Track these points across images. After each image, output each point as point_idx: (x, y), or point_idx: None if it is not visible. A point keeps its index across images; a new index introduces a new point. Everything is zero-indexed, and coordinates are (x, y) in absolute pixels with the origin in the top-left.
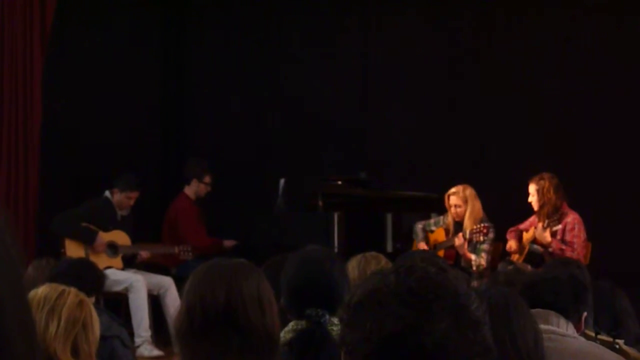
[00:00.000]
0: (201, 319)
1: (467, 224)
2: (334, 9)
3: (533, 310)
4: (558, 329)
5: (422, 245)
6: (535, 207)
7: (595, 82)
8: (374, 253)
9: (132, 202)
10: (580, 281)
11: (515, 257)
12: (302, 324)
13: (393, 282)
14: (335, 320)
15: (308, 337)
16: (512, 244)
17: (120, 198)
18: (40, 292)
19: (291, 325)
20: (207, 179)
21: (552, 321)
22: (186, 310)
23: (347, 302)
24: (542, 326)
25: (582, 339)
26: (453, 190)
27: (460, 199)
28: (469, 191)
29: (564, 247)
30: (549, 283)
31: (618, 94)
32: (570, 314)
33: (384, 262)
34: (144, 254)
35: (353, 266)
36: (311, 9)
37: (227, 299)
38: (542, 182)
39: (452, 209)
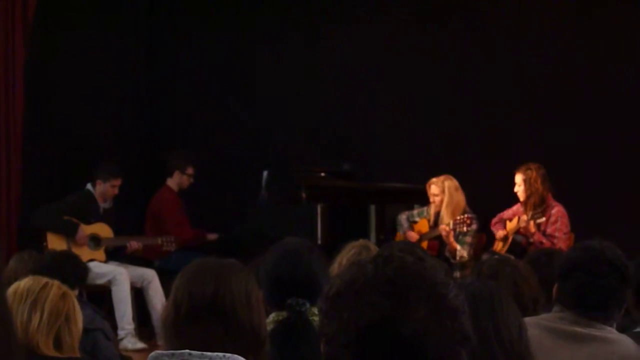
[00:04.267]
0: (187, 309)
1: (444, 214)
2: (320, 1)
3: None
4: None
5: (410, 234)
6: (522, 197)
7: (580, 74)
8: (363, 242)
9: (116, 191)
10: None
11: (498, 248)
12: (283, 314)
13: (371, 272)
14: (316, 310)
15: (289, 327)
16: (500, 233)
17: (104, 188)
18: (23, 284)
19: (272, 316)
20: (190, 170)
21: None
22: (173, 303)
23: (325, 293)
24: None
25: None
26: (434, 179)
27: (438, 188)
28: (449, 182)
29: (544, 240)
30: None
31: (603, 85)
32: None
33: (373, 250)
34: (134, 244)
35: (347, 256)
36: (295, 2)
37: (215, 291)
38: (529, 172)
39: (431, 198)
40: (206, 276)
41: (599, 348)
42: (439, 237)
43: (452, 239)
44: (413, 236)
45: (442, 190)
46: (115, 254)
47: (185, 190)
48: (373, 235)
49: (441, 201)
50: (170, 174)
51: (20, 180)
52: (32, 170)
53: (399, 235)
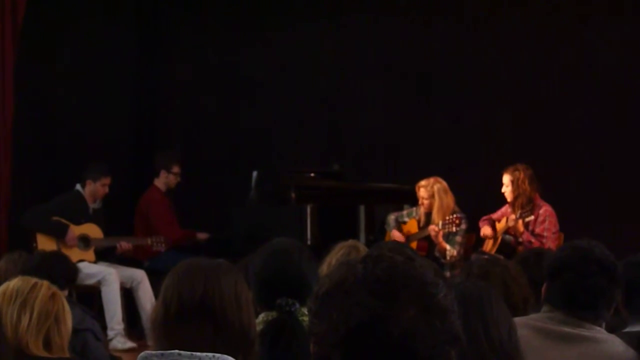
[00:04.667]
0: (177, 309)
1: (435, 217)
2: (316, 1)
3: None
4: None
5: (397, 234)
6: (509, 198)
7: (568, 74)
8: (352, 242)
9: (107, 190)
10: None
11: (487, 248)
12: (273, 315)
13: (360, 271)
14: (306, 310)
15: (279, 327)
16: (486, 230)
17: (95, 188)
18: (13, 285)
19: (261, 317)
20: (176, 169)
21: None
22: (162, 303)
23: (315, 293)
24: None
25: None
26: (423, 182)
27: (427, 192)
28: (438, 185)
29: (532, 239)
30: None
31: (591, 86)
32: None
33: (362, 250)
34: (125, 244)
35: (336, 256)
36: (292, 1)
37: (204, 292)
38: (516, 173)
39: (420, 201)
40: (195, 276)
41: (588, 348)
42: (428, 238)
43: (441, 239)
44: (399, 237)
45: (432, 195)
46: (104, 255)
47: (174, 190)
48: (362, 235)
49: (430, 205)
50: (157, 174)
51: (10, 180)
52: (21, 170)
53: (389, 236)
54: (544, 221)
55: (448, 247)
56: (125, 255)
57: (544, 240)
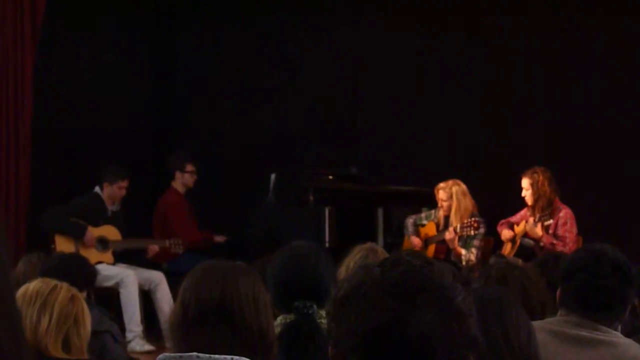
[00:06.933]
0: (195, 312)
1: (453, 220)
2: (324, 2)
3: None
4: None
5: (415, 240)
6: (530, 201)
7: (587, 77)
8: (370, 245)
9: (124, 192)
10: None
11: (506, 251)
12: (290, 317)
13: (378, 275)
14: (323, 313)
15: (297, 329)
16: (505, 233)
17: (112, 190)
18: (32, 287)
19: (279, 319)
20: (189, 167)
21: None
22: (181, 305)
23: (333, 296)
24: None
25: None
26: (442, 185)
27: (446, 194)
28: (457, 188)
29: (555, 241)
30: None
31: (608, 89)
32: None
33: (380, 253)
34: (155, 247)
35: (354, 259)
36: (302, 3)
37: (222, 294)
38: (535, 175)
39: (439, 203)
40: (213, 278)
41: (605, 352)
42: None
43: (456, 244)
44: (417, 242)
45: (450, 196)
46: (123, 257)
47: (193, 189)
48: (380, 238)
49: (449, 207)
50: (173, 176)
51: (29, 182)
52: (40, 172)
53: (407, 240)
54: (565, 223)
55: (464, 252)
56: (144, 257)
57: (567, 241)
